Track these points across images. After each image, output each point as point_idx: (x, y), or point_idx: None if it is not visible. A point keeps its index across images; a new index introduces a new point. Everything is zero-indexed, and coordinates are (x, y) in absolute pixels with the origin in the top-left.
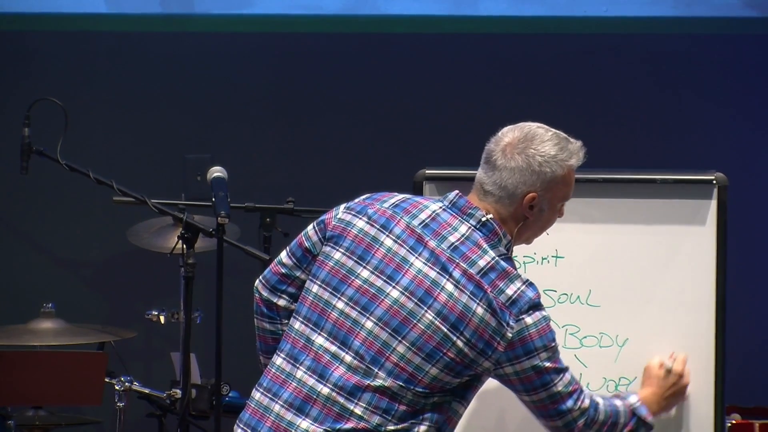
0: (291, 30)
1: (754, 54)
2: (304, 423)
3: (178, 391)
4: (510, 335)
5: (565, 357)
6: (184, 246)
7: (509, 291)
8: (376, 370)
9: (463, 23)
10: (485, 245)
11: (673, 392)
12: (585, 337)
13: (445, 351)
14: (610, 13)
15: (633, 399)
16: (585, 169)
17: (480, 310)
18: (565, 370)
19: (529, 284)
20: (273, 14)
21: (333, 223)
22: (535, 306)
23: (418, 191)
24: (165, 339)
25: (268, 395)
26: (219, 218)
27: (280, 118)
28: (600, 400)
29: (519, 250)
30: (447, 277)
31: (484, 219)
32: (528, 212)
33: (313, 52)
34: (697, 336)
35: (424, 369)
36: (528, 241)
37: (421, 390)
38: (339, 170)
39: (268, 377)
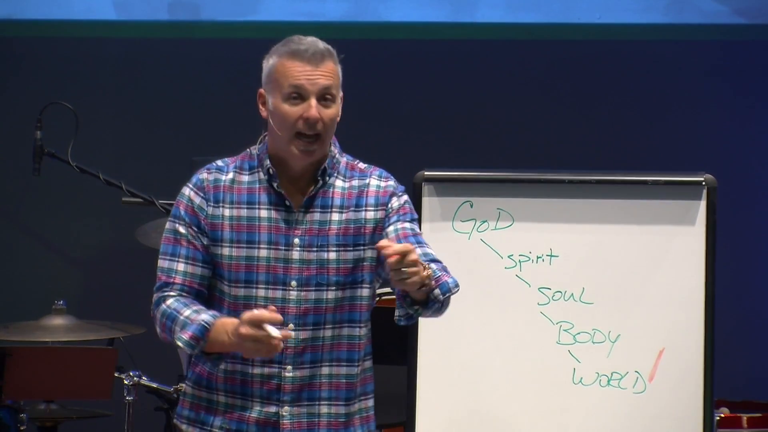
0: None
1: (742, 59)
2: None
3: (185, 385)
4: None
5: (560, 352)
6: None
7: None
8: None
9: (461, 30)
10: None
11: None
12: (578, 333)
13: None
14: (604, 20)
15: (205, 317)
16: (579, 171)
17: None
18: (165, 254)
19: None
20: (277, 21)
21: None
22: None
23: (417, 192)
24: None
25: None
26: None
27: None
28: (169, 303)
29: (516, 250)
30: None
31: None
32: (264, 111)
33: None
34: (687, 332)
35: None
36: (285, 142)
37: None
38: None
39: None
